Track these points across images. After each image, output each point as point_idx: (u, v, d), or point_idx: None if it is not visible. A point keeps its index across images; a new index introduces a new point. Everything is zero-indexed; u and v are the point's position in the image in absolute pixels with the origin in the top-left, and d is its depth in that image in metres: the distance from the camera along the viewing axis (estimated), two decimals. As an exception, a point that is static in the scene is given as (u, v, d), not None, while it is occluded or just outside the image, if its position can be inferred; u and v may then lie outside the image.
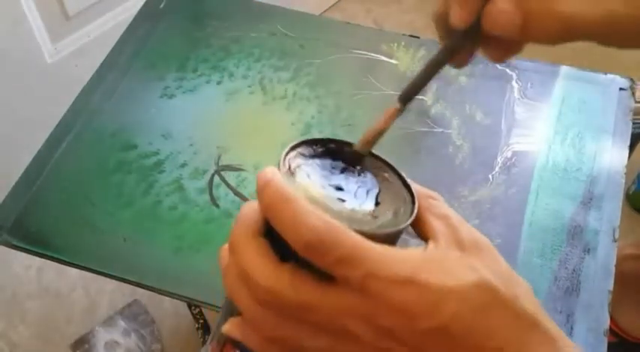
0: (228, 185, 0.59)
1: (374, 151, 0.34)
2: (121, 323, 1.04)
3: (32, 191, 0.58)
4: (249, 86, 0.67)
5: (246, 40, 0.71)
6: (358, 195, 0.32)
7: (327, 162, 0.33)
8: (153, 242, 0.55)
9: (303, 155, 0.33)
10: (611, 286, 0.52)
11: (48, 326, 1.07)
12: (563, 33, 0.27)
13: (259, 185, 0.29)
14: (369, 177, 0.33)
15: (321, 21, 0.79)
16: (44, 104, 0.90)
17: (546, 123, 0.64)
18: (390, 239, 0.30)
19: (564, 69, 0.67)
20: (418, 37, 0.70)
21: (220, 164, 0.60)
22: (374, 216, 0.31)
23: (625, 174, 0.60)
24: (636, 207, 1.20)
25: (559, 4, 0.27)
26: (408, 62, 0.68)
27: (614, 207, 0.57)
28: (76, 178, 0.59)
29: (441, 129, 0.63)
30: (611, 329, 0.64)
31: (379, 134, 0.32)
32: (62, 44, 1.04)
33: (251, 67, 0.68)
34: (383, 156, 0.34)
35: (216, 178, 0.59)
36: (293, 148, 0.33)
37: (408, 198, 0.32)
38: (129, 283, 0.53)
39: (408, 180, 0.33)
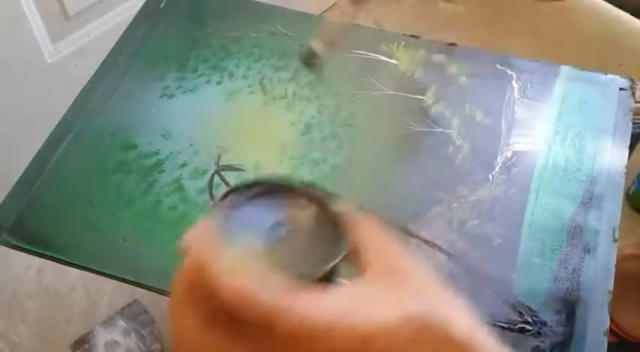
0: (228, 185, 0.59)
1: (308, 181, 0.34)
2: (121, 323, 1.04)
3: (32, 191, 0.58)
4: (249, 86, 0.67)
5: (246, 40, 0.71)
6: (289, 236, 0.32)
7: (262, 204, 0.33)
8: (153, 242, 0.55)
9: (233, 204, 0.33)
10: (611, 286, 0.52)
11: (48, 326, 1.07)
12: None
13: (182, 249, 0.30)
14: (301, 214, 0.33)
15: (321, 21, 0.79)
16: (44, 104, 0.90)
17: (546, 123, 0.64)
18: (323, 277, 0.30)
19: (564, 69, 0.67)
20: (418, 37, 0.70)
21: (220, 164, 0.60)
22: (305, 257, 0.31)
23: (625, 174, 0.60)
24: (636, 207, 1.20)
25: None
26: (408, 62, 0.68)
27: (614, 207, 0.57)
28: (76, 178, 0.59)
29: (441, 129, 0.63)
30: (611, 329, 0.64)
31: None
32: (62, 44, 1.03)
33: (251, 67, 0.68)
34: (316, 186, 0.34)
35: (216, 178, 0.59)
36: (224, 197, 0.33)
37: (340, 228, 0.32)
38: (129, 283, 0.53)
39: (339, 209, 0.33)
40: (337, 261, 0.30)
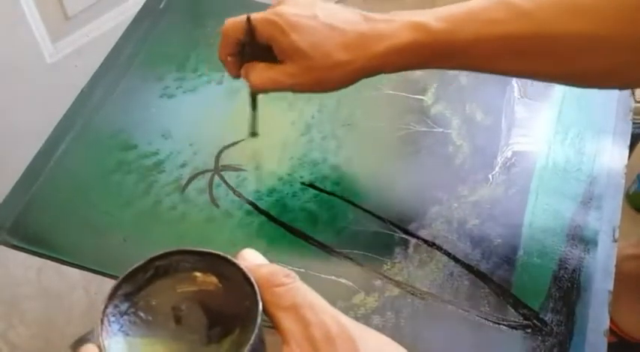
0: (228, 185, 0.59)
1: (209, 249, 0.32)
2: (121, 324, 1.04)
3: (32, 191, 0.58)
4: (249, 86, 0.66)
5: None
6: (198, 318, 0.31)
7: (159, 284, 0.32)
8: (153, 242, 0.55)
9: (128, 295, 0.31)
10: (611, 286, 0.52)
11: (48, 327, 1.07)
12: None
13: None
14: (208, 285, 0.32)
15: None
16: (44, 104, 0.90)
17: (546, 123, 0.64)
18: None
19: (564, 69, 0.67)
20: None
21: (220, 164, 0.60)
22: (219, 339, 0.30)
23: (625, 174, 0.60)
24: (636, 207, 1.20)
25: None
26: (408, 62, 0.68)
27: (614, 207, 0.57)
28: (76, 178, 0.59)
29: (441, 129, 0.63)
30: (611, 329, 0.64)
31: None
32: (62, 44, 1.04)
33: (251, 67, 0.68)
34: (215, 251, 0.32)
35: (216, 178, 0.59)
36: (112, 296, 0.31)
37: (253, 296, 0.30)
38: (129, 283, 0.53)
39: (249, 273, 0.31)
40: (249, 346, 0.28)
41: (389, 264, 0.53)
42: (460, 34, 0.44)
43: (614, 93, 0.65)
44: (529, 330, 0.50)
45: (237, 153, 0.61)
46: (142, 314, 0.31)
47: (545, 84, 0.66)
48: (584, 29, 0.41)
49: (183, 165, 0.60)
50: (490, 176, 0.59)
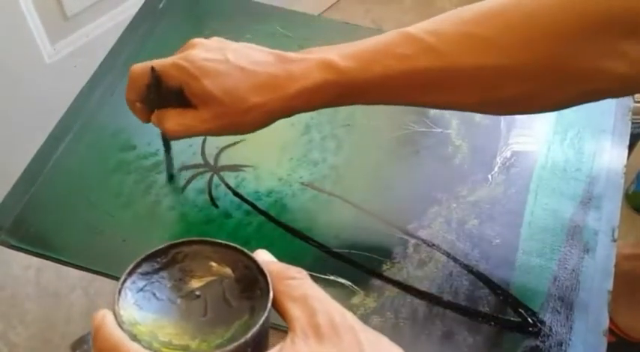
0: (227, 185, 0.59)
1: (227, 241, 0.34)
2: (121, 324, 1.04)
3: (31, 191, 0.58)
4: (249, 86, 0.66)
5: (245, 41, 0.70)
6: (209, 302, 0.32)
7: (176, 269, 0.34)
8: (152, 242, 0.55)
9: (145, 273, 0.33)
10: (610, 286, 0.52)
11: (47, 327, 1.07)
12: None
13: (92, 330, 0.30)
14: (222, 274, 0.33)
15: (321, 21, 0.79)
16: (43, 104, 0.90)
17: (545, 124, 0.64)
18: (247, 345, 0.30)
19: (563, 69, 0.67)
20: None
21: (220, 164, 0.60)
22: (228, 322, 0.31)
23: (624, 174, 0.60)
24: (636, 207, 1.20)
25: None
26: (408, 62, 0.68)
27: (613, 207, 0.57)
28: (76, 178, 0.59)
29: (440, 130, 0.63)
30: (610, 329, 0.64)
31: None
32: (61, 44, 1.03)
33: (250, 67, 0.68)
34: (233, 244, 0.34)
35: (216, 178, 0.59)
36: (131, 272, 0.33)
37: (264, 286, 0.32)
38: (128, 283, 0.53)
39: (262, 265, 0.33)
40: (258, 326, 0.30)
41: (388, 264, 0.53)
42: (369, 72, 0.44)
43: (614, 94, 0.65)
44: (529, 330, 0.50)
45: (236, 153, 0.61)
46: (156, 292, 0.33)
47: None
48: (489, 61, 0.42)
49: (182, 166, 0.60)
50: (489, 176, 0.60)
